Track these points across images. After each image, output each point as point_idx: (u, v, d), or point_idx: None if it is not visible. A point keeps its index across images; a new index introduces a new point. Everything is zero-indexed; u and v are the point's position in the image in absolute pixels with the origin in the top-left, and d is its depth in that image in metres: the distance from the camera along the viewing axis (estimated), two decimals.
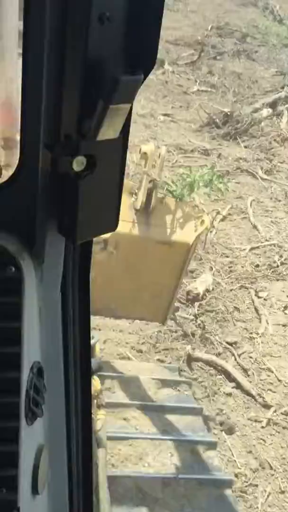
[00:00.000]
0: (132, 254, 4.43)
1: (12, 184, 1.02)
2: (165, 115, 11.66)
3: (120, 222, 1.14)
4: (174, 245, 4.44)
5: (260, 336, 6.79)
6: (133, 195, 4.38)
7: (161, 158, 4.66)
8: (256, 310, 7.21)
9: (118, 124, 0.98)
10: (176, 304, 6.32)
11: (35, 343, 1.08)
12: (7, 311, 0.98)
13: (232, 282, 7.62)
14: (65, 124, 0.96)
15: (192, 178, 7.03)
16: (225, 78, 13.58)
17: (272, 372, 6.31)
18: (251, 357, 6.51)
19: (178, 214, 4.49)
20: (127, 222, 4.26)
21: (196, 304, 6.99)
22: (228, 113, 11.38)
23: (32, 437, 1.07)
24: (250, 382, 6.17)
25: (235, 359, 6.40)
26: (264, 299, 7.43)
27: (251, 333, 6.86)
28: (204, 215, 4.57)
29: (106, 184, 1.06)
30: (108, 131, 0.97)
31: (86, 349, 1.27)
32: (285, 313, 7.25)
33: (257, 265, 8.00)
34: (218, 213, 8.72)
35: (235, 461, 5.24)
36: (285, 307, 7.30)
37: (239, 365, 6.35)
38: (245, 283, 7.63)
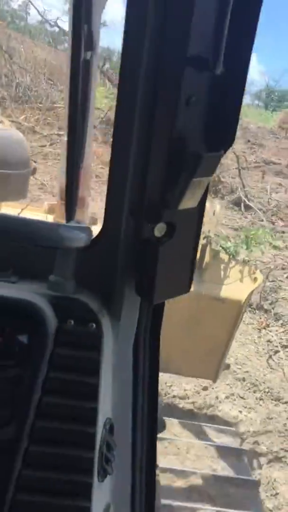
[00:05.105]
0: (185, 309, 4.42)
1: (95, 245, 1.08)
2: None
3: None
4: (226, 302, 4.41)
5: None
6: None
7: (215, 214, 4.72)
8: None
9: (198, 195, 1.04)
10: None
11: (108, 399, 1.11)
12: (87, 366, 1.02)
13: None
14: (149, 193, 1.02)
15: None
16: None
17: None
18: None
19: (231, 271, 4.49)
20: None
21: None
22: None
23: (102, 494, 1.08)
24: None
25: None
26: None
27: None
28: (257, 272, 4.56)
29: (182, 248, 1.11)
30: (189, 201, 1.03)
31: (154, 408, 1.28)
32: None
33: None
34: None
35: None
36: None
37: None
38: None
